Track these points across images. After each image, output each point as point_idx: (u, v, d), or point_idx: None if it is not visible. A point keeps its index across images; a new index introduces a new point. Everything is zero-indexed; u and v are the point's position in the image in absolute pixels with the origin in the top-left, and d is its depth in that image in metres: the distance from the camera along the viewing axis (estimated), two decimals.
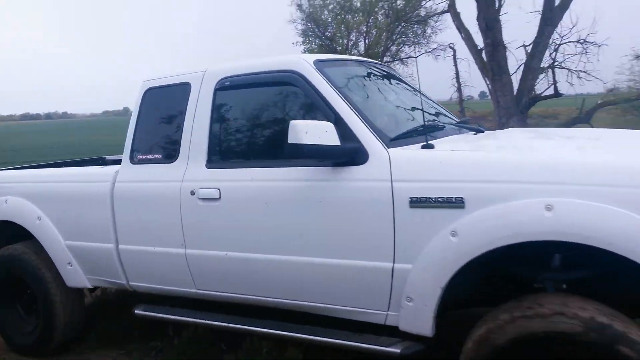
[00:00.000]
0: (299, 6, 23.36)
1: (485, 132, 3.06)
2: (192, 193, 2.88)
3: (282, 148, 2.53)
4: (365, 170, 2.39)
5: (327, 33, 24.16)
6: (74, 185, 3.44)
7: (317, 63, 2.71)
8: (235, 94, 2.94)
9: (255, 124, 2.87)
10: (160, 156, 3.12)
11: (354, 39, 24.38)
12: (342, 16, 23.62)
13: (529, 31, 10.90)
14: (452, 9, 12.56)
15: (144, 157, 3.19)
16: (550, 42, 11.11)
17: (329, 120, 2.49)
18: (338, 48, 23.59)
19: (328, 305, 2.60)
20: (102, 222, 3.26)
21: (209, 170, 2.88)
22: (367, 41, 23.89)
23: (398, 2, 21.89)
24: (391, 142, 2.45)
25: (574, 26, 11.07)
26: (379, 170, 2.35)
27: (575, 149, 2.39)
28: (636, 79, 14.14)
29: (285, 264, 2.62)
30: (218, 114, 2.95)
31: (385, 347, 2.41)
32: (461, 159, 2.23)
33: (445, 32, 19.39)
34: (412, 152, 2.38)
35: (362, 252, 2.40)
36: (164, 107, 3.21)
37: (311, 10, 23.47)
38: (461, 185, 2.14)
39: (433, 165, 2.25)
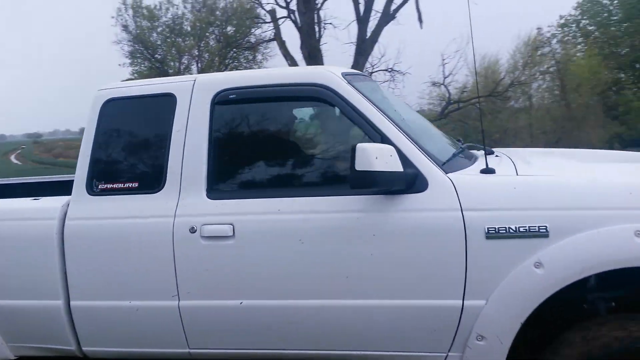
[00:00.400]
0: (125, 27, 21.97)
1: (496, 153, 2.97)
2: (192, 230, 2.30)
3: (323, 174, 2.28)
4: (427, 198, 2.14)
5: (156, 55, 23.19)
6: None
7: (346, 76, 2.39)
8: (241, 109, 2.45)
9: (274, 145, 2.42)
10: (135, 185, 2.45)
11: (186, 62, 23.88)
12: (173, 39, 22.95)
13: (346, 60, 12.28)
14: (277, 37, 13.44)
15: (108, 186, 2.48)
16: (364, 70, 12.31)
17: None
18: (170, 71, 22.83)
19: (372, 353, 2.28)
20: (43, 273, 2.46)
21: (214, 202, 2.33)
22: (199, 65, 23.52)
23: (229, 29, 22.67)
24: (443, 166, 2.25)
25: (382, 56, 12.70)
26: (445, 198, 2.12)
27: (629, 173, 2.45)
28: (434, 102, 16.31)
29: (322, 310, 2.23)
30: (220, 134, 2.43)
31: None
32: (541, 184, 2.13)
33: (275, 58, 20.01)
34: (476, 177, 2.21)
35: (424, 290, 2.15)
36: (134, 123, 2.56)
37: (138, 32, 22.26)
38: (545, 213, 2.03)
39: (508, 192, 2.11)
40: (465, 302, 2.10)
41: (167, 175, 2.39)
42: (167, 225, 2.33)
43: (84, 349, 2.53)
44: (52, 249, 2.44)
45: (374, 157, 1.97)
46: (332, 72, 2.36)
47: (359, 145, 1.99)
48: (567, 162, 2.78)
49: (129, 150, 2.53)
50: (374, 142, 2.18)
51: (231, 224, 2.27)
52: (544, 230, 2.01)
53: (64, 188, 3.20)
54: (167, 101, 2.46)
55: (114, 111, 2.54)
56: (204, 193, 2.35)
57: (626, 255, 1.94)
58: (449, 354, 2.20)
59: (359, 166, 1.97)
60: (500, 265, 2.06)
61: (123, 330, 2.46)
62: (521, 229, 2.03)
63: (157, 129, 2.47)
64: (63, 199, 2.60)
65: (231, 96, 2.41)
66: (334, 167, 2.40)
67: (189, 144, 2.39)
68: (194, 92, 2.45)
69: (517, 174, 2.25)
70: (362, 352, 2.27)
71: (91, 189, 2.48)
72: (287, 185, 2.38)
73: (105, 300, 2.43)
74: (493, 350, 2.11)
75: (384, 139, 2.20)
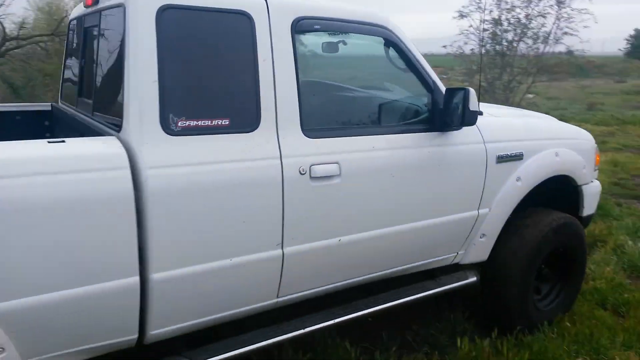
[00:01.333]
0: None
1: None
2: (302, 172, 2.17)
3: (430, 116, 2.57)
4: (463, 134, 2.74)
5: None
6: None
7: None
8: (318, 40, 2.33)
9: (356, 82, 2.44)
10: (226, 122, 2.02)
11: None
12: None
13: None
14: None
15: (192, 124, 1.94)
16: None
17: (426, 87, 2.64)
18: None
19: (413, 264, 2.80)
20: (107, 245, 1.77)
21: (315, 141, 2.23)
22: None
23: None
24: None
25: None
26: (474, 134, 2.80)
27: (539, 117, 3.81)
28: None
29: (402, 233, 2.58)
30: (303, 66, 2.25)
31: (465, 280, 2.98)
32: (516, 124, 3.16)
33: None
34: (484, 118, 2.94)
35: (462, 205, 2.83)
36: (204, 43, 2.01)
37: None
38: (521, 144, 3.02)
39: (501, 129, 3.00)
40: (479, 211, 2.90)
41: (262, 111, 2.10)
42: (275, 168, 2.10)
43: (151, 332, 1.98)
44: (125, 211, 1.77)
45: (476, 99, 2.46)
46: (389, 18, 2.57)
47: (470, 89, 2.41)
48: (498, 110, 3.90)
49: (210, 78, 1.99)
50: (425, 87, 2.63)
51: (337, 163, 2.26)
52: (521, 155, 3.01)
53: None
54: (242, 21, 2.07)
55: (174, 23, 1.93)
56: (301, 132, 2.21)
57: (554, 168, 3.17)
58: (458, 252, 2.97)
59: (472, 107, 2.41)
60: (500, 182, 2.95)
61: (210, 297, 2.07)
62: (513, 155, 2.96)
63: (238, 56, 2.06)
64: (103, 141, 1.85)
65: (316, 27, 2.28)
66: (410, 108, 2.68)
67: (279, 76, 2.14)
68: (271, 15, 2.15)
69: (503, 117, 3.23)
70: (401, 267, 2.73)
71: (168, 128, 1.90)
72: (375, 124, 2.52)
73: (197, 265, 1.97)
74: (488, 243, 3.01)
75: (434, 85, 2.65)
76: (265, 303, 2.26)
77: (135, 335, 1.95)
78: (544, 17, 12.27)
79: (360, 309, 2.58)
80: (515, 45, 12.80)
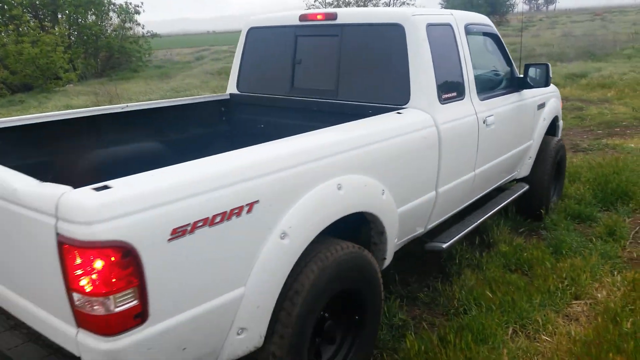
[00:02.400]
0: None
1: None
2: (484, 122, 3.46)
3: (512, 82, 4.14)
4: (525, 93, 4.22)
5: None
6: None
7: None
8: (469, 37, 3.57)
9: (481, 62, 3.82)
10: (455, 94, 3.27)
11: None
12: None
13: None
14: None
15: (447, 96, 3.18)
16: None
17: (509, 64, 4.18)
18: None
19: (506, 179, 4.35)
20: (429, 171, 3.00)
21: (482, 102, 3.53)
22: None
23: None
24: None
25: None
26: (530, 93, 4.31)
27: None
28: None
29: (511, 157, 4.08)
30: (469, 55, 3.48)
31: (523, 189, 4.42)
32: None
33: None
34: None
35: (528, 138, 4.37)
36: (441, 46, 3.24)
37: None
38: (543, 96, 4.72)
39: (536, 91, 4.51)
40: (531, 141, 4.46)
41: (465, 86, 3.37)
42: (474, 120, 3.37)
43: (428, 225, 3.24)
44: (436, 149, 2.97)
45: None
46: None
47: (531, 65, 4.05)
48: None
49: (443, 67, 3.19)
50: (509, 64, 4.18)
51: (492, 115, 3.58)
52: (544, 104, 4.68)
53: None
54: (447, 30, 3.33)
55: (433, 34, 3.13)
56: (477, 97, 3.48)
57: (557, 110, 5.10)
58: (519, 171, 4.52)
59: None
60: (536, 121, 4.58)
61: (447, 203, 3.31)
62: (542, 104, 4.67)
63: (451, 51, 3.34)
64: (414, 112, 2.99)
65: (474, 29, 3.67)
66: (506, 78, 4.13)
67: (465, 62, 3.40)
68: (457, 23, 3.44)
69: None
70: (503, 181, 4.32)
71: (441, 100, 3.11)
72: (495, 89, 3.90)
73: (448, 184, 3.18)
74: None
75: (510, 63, 4.18)
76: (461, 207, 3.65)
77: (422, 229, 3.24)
78: None
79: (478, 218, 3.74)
80: None
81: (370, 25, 3.22)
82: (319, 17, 3.46)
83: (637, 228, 4.56)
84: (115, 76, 22.42)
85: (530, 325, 3.12)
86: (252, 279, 1.91)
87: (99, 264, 1.53)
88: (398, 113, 2.89)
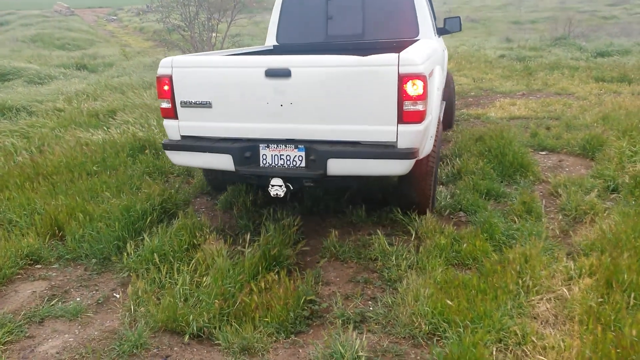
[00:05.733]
0: None
1: None
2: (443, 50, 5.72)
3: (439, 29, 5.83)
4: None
5: None
6: None
7: None
8: None
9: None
10: (435, 32, 5.38)
11: None
12: None
13: None
14: None
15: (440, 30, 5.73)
16: None
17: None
18: None
19: None
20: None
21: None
22: None
23: None
24: None
25: None
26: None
27: None
28: None
29: None
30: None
31: None
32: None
33: None
34: None
35: None
36: None
37: None
38: None
39: None
40: None
41: (435, 28, 5.46)
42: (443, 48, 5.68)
43: None
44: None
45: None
46: None
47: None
48: None
49: (431, 16, 5.49)
50: None
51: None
52: None
53: None
54: None
55: None
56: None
57: None
58: None
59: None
60: None
61: None
62: None
63: (429, 5, 5.38)
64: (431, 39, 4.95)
65: None
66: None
67: (433, 14, 5.71)
68: None
69: None
70: None
71: (437, 33, 5.41)
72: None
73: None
74: None
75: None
76: None
77: None
78: None
79: None
80: None
81: None
82: None
83: (543, 201, 4.44)
84: None
85: (509, 339, 2.59)
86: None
87: (419, 83, 3.13)
88: (431, 39, 4.98)
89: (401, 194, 3.97)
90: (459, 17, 5.84)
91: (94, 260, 3.48)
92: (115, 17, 35.59)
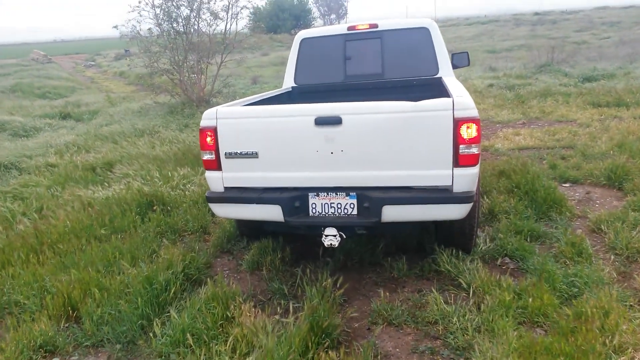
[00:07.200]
0: None
1: None
2: None
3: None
4: None
5: None
6: None
7: None
8: None
9: None
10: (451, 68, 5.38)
11: None
12: None
13: None
14: None
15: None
16: None
17: None
18: None
19: None
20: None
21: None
22: None
23: None
24: None
25: None
26: None
27: None
28: None
29: None
30: None
31: None
32: None
33: None
34: None
35: None
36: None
37: None
38: None
39: None
40: None
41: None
42: None
43: None
44: None
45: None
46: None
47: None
48: None
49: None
50: None
51: None
52: None
53: None
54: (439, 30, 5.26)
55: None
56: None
57: None
58: None
59: None
60: None
61: None
62: None
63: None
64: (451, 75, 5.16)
65: None
66: None
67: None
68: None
69: None
70: None
71: (453, 70, 5.45)
72: None
73: None
74: None
75: None
76: None
77: None
78: None
79: None
80: (193, 21, 11.64)
81: (404, 29, 5.20)
82: (362, 26, 5.19)
83: (588, 240, 4.17)
84: None
85: None
86: None
87: (473, 127, 3.03)
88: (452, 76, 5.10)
89: (446, 235, 3.78)
90: (467, 53, 5.77)
91: (118, 347, 3.04)
92: (93, 63, 35.37)
